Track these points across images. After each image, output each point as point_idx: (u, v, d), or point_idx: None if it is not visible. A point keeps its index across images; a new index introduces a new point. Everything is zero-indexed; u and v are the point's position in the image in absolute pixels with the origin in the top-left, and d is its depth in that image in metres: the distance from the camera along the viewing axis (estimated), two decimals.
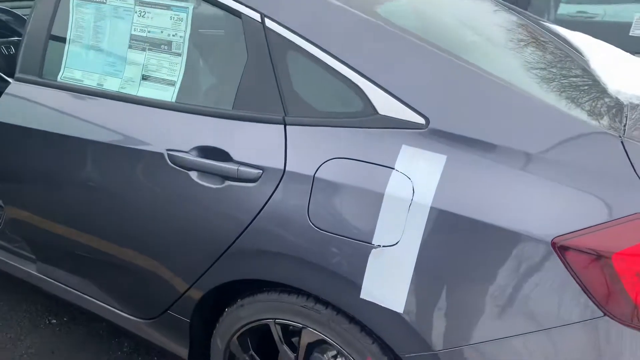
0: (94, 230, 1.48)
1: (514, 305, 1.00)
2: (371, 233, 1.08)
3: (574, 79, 1.46)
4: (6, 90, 1.50)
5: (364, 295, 1.11)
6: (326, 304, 1.21)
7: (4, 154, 1.54)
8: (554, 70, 1.49)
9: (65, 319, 1.94)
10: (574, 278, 0.96)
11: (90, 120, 1.39)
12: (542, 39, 1.74)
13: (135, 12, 1.36)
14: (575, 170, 1.01)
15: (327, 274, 1.14)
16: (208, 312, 1.45)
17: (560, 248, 0.96)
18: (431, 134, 1.07)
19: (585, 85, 1.41)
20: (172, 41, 1.32)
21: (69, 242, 1.54)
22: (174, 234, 1.32)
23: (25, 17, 2.28)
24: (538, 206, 0.99)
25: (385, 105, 1.11)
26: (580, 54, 1.65)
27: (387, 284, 1.09)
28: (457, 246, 1.03)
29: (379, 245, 1.07)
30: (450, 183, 1.03)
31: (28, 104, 1.48)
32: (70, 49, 1.45)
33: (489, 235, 1.00)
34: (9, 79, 2.14)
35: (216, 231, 1.25)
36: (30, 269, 1.75)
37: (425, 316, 1.07)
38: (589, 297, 0.95)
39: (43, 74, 1.47)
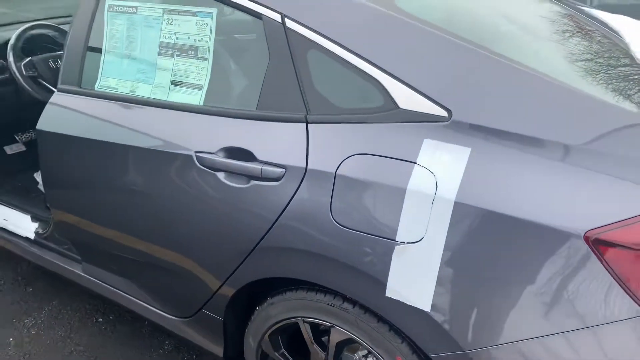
0: (133, 232, 1.54)
1: (544, 302, 0.96)
2: (394, 229, 1.06)
3: (622, 69, 1.39)
4: (49, 101, 1.58)
5: (390, 293, 1.09)
6: (353, 302, 1.21)
7: (50, 161, 1.63)
8: (600, 60, 1.42)
9: (111, 318, 2.03)
10: (610, 273, 0.91)
11: (125, 126, 1.45)
12: (587, 27, 1.66)
13: (164, 20, 1.41)
14: (609, 160, 0.95)
15: (351, 271, 1.13)
16: (241, 311, 1.47)
17: (594, 242, 0.91)
18: (454, 127, 1.04)
19: (632, 74, 1.33)
20: (198, 46, 1.36)
21: (111, 244, 1.61)
22: (205, 233, 1.35)
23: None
24: (569, 198, 0.94)
25: (406, 98, 1.10)
26: (621, 37, 1.56)
27: (413, 281, 1.07)
28: (484, 241, 0.99)
29: (403, 242, 1.05)
30: (475, 176, 1.00)
31: (69, 113, 1.56)
32: (105, 59, 1.51)
33: (516, 229, 0.96)
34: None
35: (244, 230, 1.27)
36: (77, 270, 1.84)
37: (453, 314, 1.04)
38: (627, 293, 0.90)
39: (82, 83, 1.55)
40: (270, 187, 1.20)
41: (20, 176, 2.62)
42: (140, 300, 1.68)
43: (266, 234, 1.23)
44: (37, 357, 1.84)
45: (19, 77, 2.12)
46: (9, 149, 2.68)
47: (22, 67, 2.14)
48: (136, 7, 1.45)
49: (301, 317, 1.31)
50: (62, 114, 1.57)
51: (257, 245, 1.26)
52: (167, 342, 1.91)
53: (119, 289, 1.73)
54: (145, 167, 1.42)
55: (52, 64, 2.24)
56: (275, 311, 1.35)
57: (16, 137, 2.71)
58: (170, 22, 1.40)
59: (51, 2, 2.98)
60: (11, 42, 2.13)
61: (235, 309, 1.46)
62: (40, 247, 1.97)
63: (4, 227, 2.07)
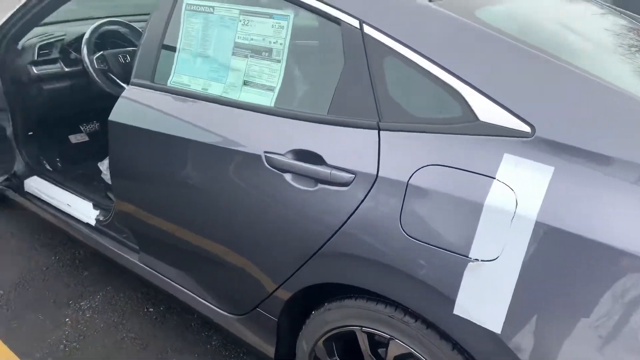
0: (193, 227, 1.56)
1: (623, 333, 0.91)
2: (468, 245, 1.03)
3: None
4: (122, 94, 1.64)
5: (458, 311, 1.06)
6: (416, 316, 1.18)
7: (118, 151, 1.68)
8: None
9: (161, 308, 2.07)
10: None
11: (195, 122, 1.48)
12: None
13: (240, 21, 1.43)
14: None
15: (417, 284, 1.11)
16: (296, 313, 1.47)
17: None
18: (537, 143, 1.00)
19: None
20: (272, 48, 1.37)
21: (170, 237, 1.65)
22: (266, 233, 1.36)
23: (140, 29, 2.49)
24: None
25: (487, 111, 1.06)
26: None
27: (484, 301, 1.03)
28: (564, 265, 0.95)
29: (477, 259, 1.02)
30: (558, 196, 0.96)
31: (141, 106, 1.60)
32: (179, 56, 1.55)
33: (599, 254, 0.92)
34: (124, 85, 2.35)
35: (307, 233, 1.27)
36: (134, 259, 1.89)
37: (526, 339, 1.00)
38: None
39: (155, 78, 1.59)
40: (338, 192, 1.20)
41: (83, 164, 2.72)
42: (194, 294, 1.71)
43: (330, 238, 1.22)
44: (91, 339, 1.89)
45: (91, 70, 2.21)
46: (74, 138, 2.80)
47: (95, 60, 2.22)
48: (213, 7, 1.48)
49: (359, 326, 1.29)
50: (134, 106, 1.62)
51: (320, 249, 1.25)
52: (215, 337, 1.94)
53: (173, 281, 1.76)
54: (211, 163, 1.44)
55: (121, 59, 2.32)
56: (331, 317, 1.34)
57: (81, 128, 2.82)
58: (246, 23, 1.42)
59: (118, 0, 3.10)
60: (86, 36, 2.22)
61: (290, 311, 1.46)
62: (100, 234, 2.04)
63: (68, 212, 2.15)
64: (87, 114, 2.82)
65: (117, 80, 2.30)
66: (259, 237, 1.38)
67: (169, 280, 1.78)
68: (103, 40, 2.35)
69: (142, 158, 1.62)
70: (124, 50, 2.36)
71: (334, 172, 1.19)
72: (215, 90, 1.47)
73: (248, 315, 1.54)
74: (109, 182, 2.26)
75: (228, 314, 1.61)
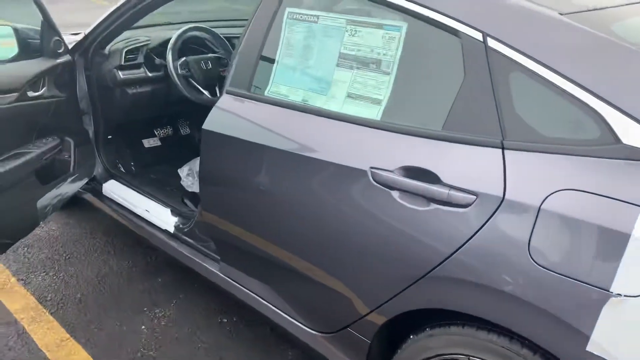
0: (283, 241, 1.53)
1: None
2: (609, 279, 0.94)
3: None
4: (217, 103, 1.63)
5: (592, 348, 0.97)
6: (535, 349, 1.10)
7: (210, 160, 1.67)
8: None
9: (234, 319, 2.05)
10: None
11: (293, 134, 1.45)
12: None
13: (347, 31, 1.39)
14: None
15: (544, 316, 1.03)
16: (388, 334, 1.41)
17: None
18: None
19: None
20: (381, 60, 1.32)
21: (257, 250, 1.62)
22: (367, 252, 1.30)
23: (220, 36, 2.51)
24: None
25: (631, 133, 0.98)
26: None
27: (625, 339, 0.94)
28: None
29: (619, 294, 0.93)
30: None
31: (235, 116, 1.59)
32: (278, 66, 1.53)
33: None
34: (205, 92, 2.37)
35: (415, 254, 1.21)
36: (213, 268, 1.88)
37: None
38: None
39: (252, 88, 1.58)
40: (456, 214, 1.13)
41: (154, 169, 2.76)
42: (277, 308, 1.67)
43: (444, 261, 1.16)
44: (166, 348, 1.88)
45: (175, 76, 2.23)
46: (147, 143, 2.84)
47: (179, 66, 2.25)
48: (317, 17, 1.45)
49: (466, 355, 1.21)
50: (229, 115, 1.61)
51: (429, 272, 1.19)
52: (290, 352, 1.89)
53: (255, 294, 1.73)
54: (309, 177, 1.40)
55: (203, 65, 2.33)
56: (434, 344, 1.27)
57: (155, 132, 2.87)
58: (353, 33, 1.38)
59: (200, 5, 3.15)
60: (171, 42, 2.25)
61: (382, 332, 1.39)
62: (178, 241, 2.04)
63: (145, 217, 2.17)
64: (161, 118, 2.87)
65: (199, 87, 2.32)
66: (358, 256, 1.33)
67: (250, 293, 1.75)
68: (184, 46, 2.38)
69: (234, 168, 1.60)
70: (206, 56, 2.38)
71: (453, 192, 1.13)
72: (316, 102, 1.44)
73: (337, 334, 1.49)
74: (188, 189, 2.28)
75: (313, 331, 1.56)
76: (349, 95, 1.38)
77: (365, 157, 1.29)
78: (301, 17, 1.49)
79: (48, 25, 1.93)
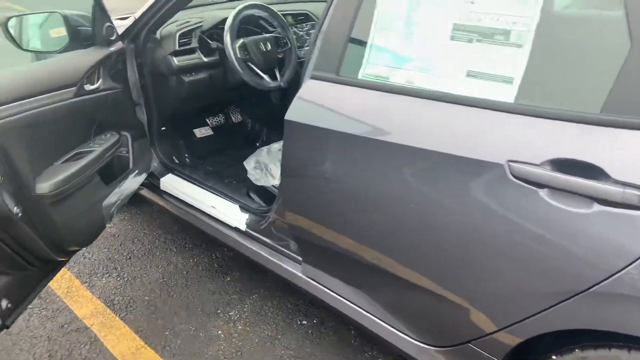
0: (381, 244, 1.35)
1: None
2: None
3: None
4: (300, 90, 1.43)
5: None
6: None
7: (293, 153, 1.49)
8: None
9: (314, 321, 1.90)
10: None
11: (397, 123, 1.25)
12: None
13: None
14: None
15: None
16: (518, 352, 1.23)
17: None
18: None
19: None
20: (510, 30, 1.10)
21: (349, 253, 1.44)
22: (500, 263, 1.11)
23: (278, 13, 2.30)
24: None
25: None
26: None
27: None
28: None
29: None
30: None
31: (323, 103, 1.40)
32: (373, 43, 1.32)
33: None
34: (264, 75, 2.17)
35: (569, 267, 1.01)
36: (293, 269, 1.72)
37: None
38: None
39: (341, 71, 1.37)
40: (632, 218, 0.93)
41: (209, 160, 2.60)
42: (371, 314, 1.50)
43: (610, 277, 0.96)
44: (248, 355, 1.75)
45: (234, 60, 2.03)
46: (199, 132, 2.68)
47: (237, 49, 2.05)
48: None
49: None
50: (315, 104, 1.41)
51: (588, 289, 0.99)
52: (380, 359, 1.74)
53: (345, 298, 1.57)
54: (420, 173, 1.21)
55: (262, 47, 2.13)
56: None
57: (207, 121, 2.70)
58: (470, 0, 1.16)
59: None
60: (228, 22, 2.05)
61: (516, 349, 1.21)
62: (251, 240, 1.88)
63: (212, 214, 2.02)
64: (213, 106, 2.70)
65: (257, 71, 2.12)
66: (488, 267, 1.14)
67: (337, 297, 1.59)
68: (239, 26, 2.18)
69: (323, 162, 1.42)
70: (264, 37, 2.18)
71: (629, 190, 0.92)
72: (425, 83, 1.23)
73: (454, 349, 1.32)
74: (256, 182, 2.11)
75: (421, 343, 1.39)
76: (470, 74, 1.16)
77: (500, 148, 1.08)
78: None
79: (100, 11, 1.75)
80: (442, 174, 1.17)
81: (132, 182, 1.96)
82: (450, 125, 1.17)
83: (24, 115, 1.32)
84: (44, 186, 1.36)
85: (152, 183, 2.23)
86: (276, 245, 1.79)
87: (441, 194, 1.18)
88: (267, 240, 1.82)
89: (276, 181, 2.00)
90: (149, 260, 2.23)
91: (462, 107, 1.15)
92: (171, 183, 2.19)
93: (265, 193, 2.08)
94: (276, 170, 2.02)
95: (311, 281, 1.67)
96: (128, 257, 2.24)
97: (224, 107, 2.80)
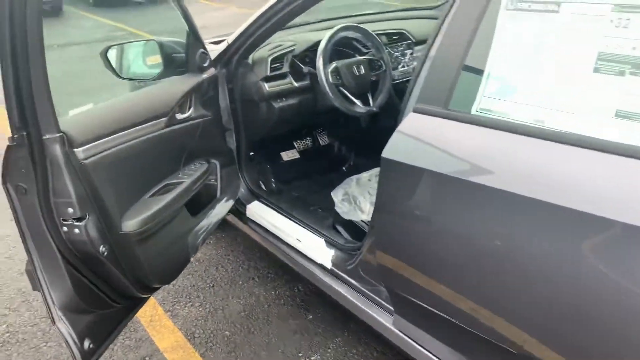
0: (492, 304, 1.15)
1: None
2: None
3: None
4: (401, 125, 1.28)
5: None
6: None
7: (389, 191, 1.33)
8: None
9: None
10: None
11: (521, 169, 1.05)
12: None
13: (611, 22, 0.96)
14: None
15: None
16: None
17: None
18: None
19: None
20: None
21: (449, 308, 1.25)
22: None
23: (373, 34, 2.17)
24: None
25: None
26: None
27: None
28: None
29: None
30: None
31: (428, 141, 1.23)
32: (492, 73, 1.13)
33: None
34: (356, 101, 2.04)
35: None
36: (382, 319, 1.55)
37: None
38: None
39: (451, 104, 1.20)
40: None
41: (295, 185, 2.52)
42: None
43: None
44: None
45: (326, 86, 1.93)
46: (286, 155, 2.61)
47: (330, 74, 1.94)
48: (559, 3, 1.03)
49: None
50: (418, 141, 1.25)
51: None
52: None
53: None
54: (549, 231, 1.00)
55: (355, 71, 2.01)
56: None
57: (295, 144, 2.63)
58: (623, 23, 0.94)
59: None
60: (322, 46, 1.95)
61: None
62: (336, 280, 1.74)
63: (296, 247, 1.91)
64: (301, 129, 2.62)
65: (350, 96, 2.00)
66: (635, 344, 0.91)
67: (434, 359, 1.40)
68: (332, 49, 2.07)
69: (424, 206, 1.25)
70: (357, 60, 2.05)
71: None
72: (559, 123, 1.02)
73: None
74: (344, 216, 1.98)
75: None
76: (619, 114, 0.95)
77: None
78: (530, 6, 1.08)
79: (194, 37, 1.72)
80: (578, 235, 0.96)
81: (220, 211, 1.90)
82: (595, 179, 0.95)
83: (116, 150, 1.29)
84: (131, 224, 1.32)
85: (238, 209, 2.18)
86: (364, 290, 1.63)
87: (580, 261, 0.96)
88: (355, 283, 1.67)
89: (365, 216, 1.85)
90: (231, 290, 2.16)
91: (610, 156, 0.93)
92: (257, 211, 2.12)
93: (353, 227, 1.94)
94: (366, 204, 1.88)
95: (404, 336, 1.49)
96: (211, 285, 2.19)
97: (311, 130, 2.71)
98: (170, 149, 1.58)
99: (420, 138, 1.25)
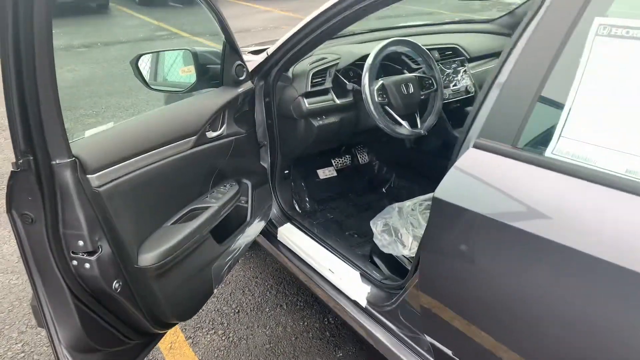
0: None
1: None
2: None
3: None
4: (459, 161, 1.10)
5: None
6: None
7: (441, 234, 1.16)
8: None
9: None
10: None
11: (609, 229, 0.86)
12: None
13: None
14: None
15: None
16: None
17: None
18: None
19: None
20: None
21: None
22: None
23: (425, 50, 1.98)
24: None
25: None
26: None
27: None
28: None
29: None
30: None
31: (490, 183, 1.05)
32: (574, 108, 0.95)
33: None
34: (403, 122, 1.87)
35: None
36: None
37: None
38: None
39: (520, 142, 1.02)
40: None
41: (330, 205, 2.37)
42: None
43: None
44: None
45: (371, 105, 1.77)
46: (322, 173, 2.46)
47: (375, 91, 1.78)
48: None
49: None
50: (478, 182, 1.08)
51: None
52: None
53: None
54: (635, 302, 0.81)
55: (404, 89, 1.84)
56: None
57: (332, 162, 2.48)
58: None
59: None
60: (369, 62, 1.79)
61: None
62: (372, 320, 1.58)
63: (328, 278, 1.75)
64: (339, 147, 2.47)
65: (396, 117, 1.83)
66: None
67: None
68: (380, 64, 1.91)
69: (487, 259, 1.07)
70: (406, 77, 1.88)
71: None
72: None
73: None
74: (383, 249, 1.81)
75: None
76: None
77: None
78: (628, 32, 0.89)
79: (230, 48, 1.59)
80: None
81: (250, 234, 1.77)
82: None
83: (135, 175, 1.17)
84: (149, 257, 1.19)
85: (268, 230, 2.04)
86: (403, 337, 1.46)
87: None
88: (392, 326, 1.50)
89: (407, 251, 1.68)
90: (257, 318, 2.02)
91: None
92: (289, 234, 1.97)
93: (392, 261, 1.77)
94: (408, 237, 1.70)
95: None
96: (237, 310, 2.06)
97: (350, 147, 2.55)
98: (198, 170, 1.46)
99: (482, 179, 1.07)
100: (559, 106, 0.97)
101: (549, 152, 0.97)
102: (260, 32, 7.68)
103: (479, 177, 1.07)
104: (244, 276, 2.28)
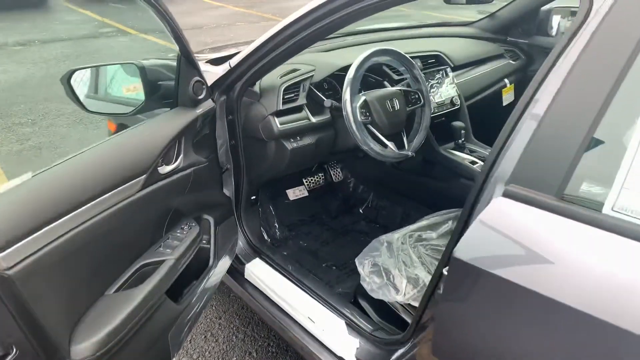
0: None
1: None
2: None
3: None
4: (483, 213, 0.88)
5: None
6: None
7: (459, 298, 0.94)
8: None
9: None
10: None
11: None
12: None
13: None
14: None
15: None
16: None
17: None
18: None
19: None
20: None
21: None
22: None
23: (413, 62, 1.72)
24: None
25: None
26: None
27: None
28: None
29: None
30: None
31: (529, 245, 0.83)
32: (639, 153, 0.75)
33: None
34: (389, 143, 1.64)
35: None
36: None
37: None
38: None
39: (566, 191, 0.81)
40: None
41: (302, 230, 2.11)
42: None
43: None
44: None
45: (352, 124, 1.53)
46: (292, 194, 2.20)
47: (357, 109, 1.54)
48: None
49: None
50: (509, 240, 0.85)
51: None
52: None
53: None
54: None
55: (389, 106, 1.60)
56: None
57: (304, 181, 2.22)
58: None
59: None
60: (350, 74, 1.54)
61: None
62: None
63: (307, 329, 1.50)
64: (310, 166, 2.22)
65: (381, 137, 1.60)
66: None
67: None
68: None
69: (521, 335, 0.86)
70: (391, 92, 1.65)
71: None
72: None
73: None
74: (372, 294, 1.55)
75: None
76: None
77: None
78: None
79: (187, 62, 1.30)
80: None
81: (213, 281, 1.49)
82: None
83: (63, 242, 0.87)
84: (84, 348, 0.90)
85: (235, 268, 1.76)
86: None
87: None
88: None
89: (401, 297, 1.45)
90: None
91: None
92: (258, 273, 1.70)
93: (380, 304, 1.54)
94: (402, 280, 1.47)
95: None
96: (197, 358, 1.78)
97: (323, 163, 2.30)
98: (149, 215, 1.17)
99: (515, 239, 0.85)
100: (620, 148, 0.77)
101: (607, 208, 0.76)
102: (214, 29, 7.29)
103: (511, 235, 0.85)
104: (205, 317, 1.99)
